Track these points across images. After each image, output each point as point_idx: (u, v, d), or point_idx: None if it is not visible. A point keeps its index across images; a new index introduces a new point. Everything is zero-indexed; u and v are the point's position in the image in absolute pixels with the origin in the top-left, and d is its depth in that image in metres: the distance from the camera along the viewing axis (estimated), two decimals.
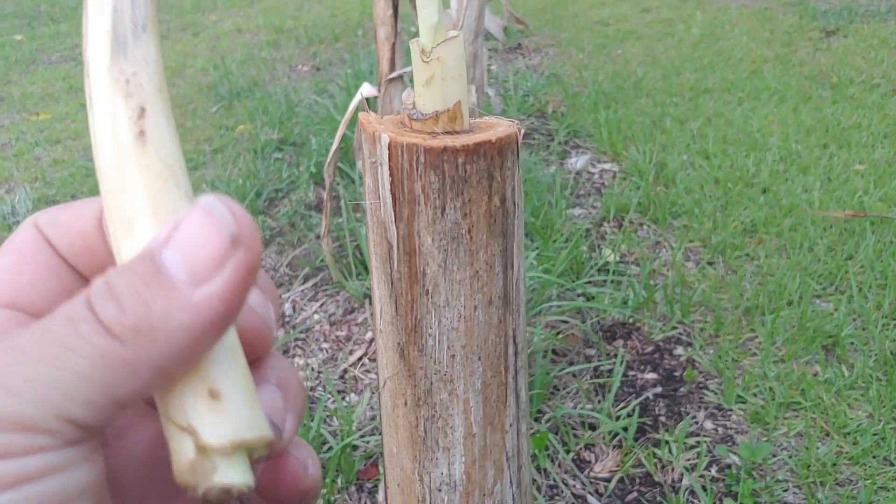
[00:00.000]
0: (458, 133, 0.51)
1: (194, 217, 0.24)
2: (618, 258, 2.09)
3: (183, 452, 0.24)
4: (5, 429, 0.22)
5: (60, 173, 2.85)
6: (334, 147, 1.71)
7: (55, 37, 4.73)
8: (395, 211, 0.52)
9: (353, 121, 2.02)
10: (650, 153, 2.61)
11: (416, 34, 0.51)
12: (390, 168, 0.51)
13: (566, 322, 1.84)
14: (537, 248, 2.07)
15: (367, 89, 1.73)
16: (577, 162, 2.64)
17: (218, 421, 0.24)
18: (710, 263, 2.05)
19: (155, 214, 0.25)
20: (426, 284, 0.52)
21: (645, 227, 2.26)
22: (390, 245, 0.52)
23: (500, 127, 0.53)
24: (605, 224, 2.29)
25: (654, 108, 3.00)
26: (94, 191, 2.66)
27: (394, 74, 1.65)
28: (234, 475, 0.24)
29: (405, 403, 0.56)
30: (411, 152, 0.50)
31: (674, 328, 1.82)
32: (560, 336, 1.78)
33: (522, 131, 0.54)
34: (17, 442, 0.22)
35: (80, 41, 4.51)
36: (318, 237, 2.22)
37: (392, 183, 0.51)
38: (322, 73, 3.77)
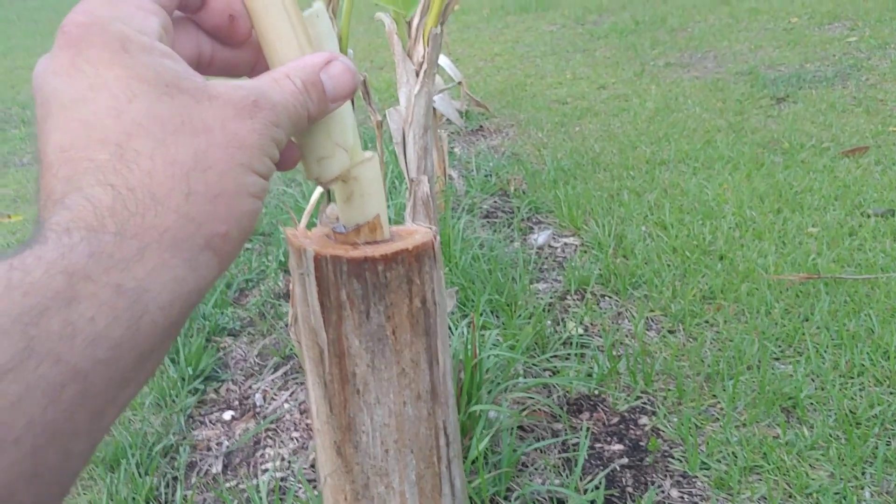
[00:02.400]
0: (378, 243, 0.56)
1: (339, 64, 0.43)
2: (581, 331, 2.14)
3: (337, 160, 0.47)
4: None
5: None
6: None
7: (27, 139, 4.79)
8: (323, 317, 0.56)
9: (316, 210, 2.08)
10: (609, 226, 2.68)
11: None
12: (317, 278, 0.55)
13: (532, 398, 1.87)
14: (502, 325, 2.11)
15: None
16: (539, 237, 2.71)
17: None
18: (670, 332, 2.10)
19: (302, 39, 0.45)
20: (356, 384, 0.56)
21: (607, 298, 2.32)
22: (321, 349, 0.57)
23: (417, 234, 0.58)
24: (568, 297, 2.34)
25: (611, 181, 3.09)
26: None
27: None
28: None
29: (345, 499, 0.60)
30: (335, 263, 0.54)
31: (638, 398, 1.85)
32: (526, 412, 1.81)
33: (438, 238, 0.58)
34: None
35: None
36: (286, 325, 2.25)
37: (319, 291, 0.55)
38: None
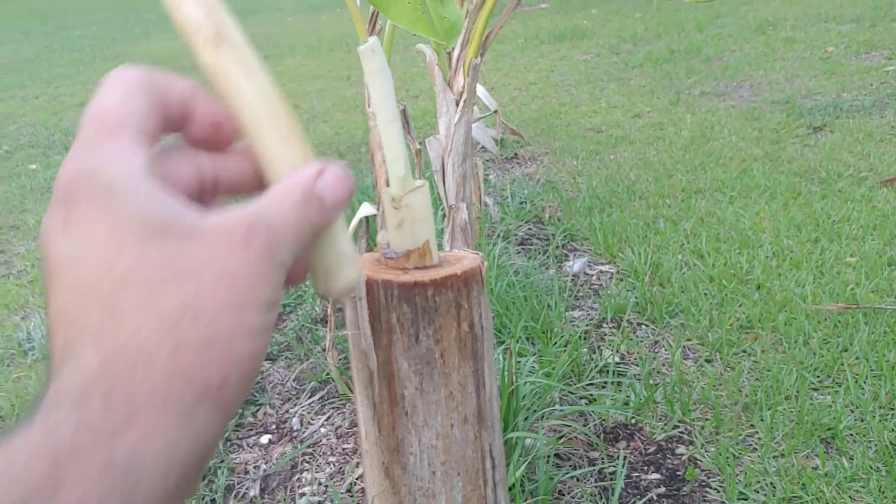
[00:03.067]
0: (427, 268, 0.58)
1: (332, 171, 0.42)
2: (617, 359, 2.14)
3: (345, 272, 0.45)
4: None
5: None
6: None
7: None
8: (374, 340, 0.57)
9: (355, 236, 2.10)
10: (645, 254, 2.68)
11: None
12: (368, 302, 0.57)
13: (568, 426, 1.87)
14: (538, 352, 2.11)
15: (366, 209, 1.81)
16: (575, 265, 2.71)
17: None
18: (708, 361, 2.09)
19: (294, 150, 0.43)
20: (405, 406, 0.58)
21: (643, 326, 2.31)
22: (371, 371, 0.58)
23: (466, 260, 0.60)
24: (604, 325, 2.34)
25: (647, 210, 3.09)
26: None
27: None
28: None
29: None
30: (386, 287, 0.56)
31: (675, 427, 1.85)
32: (563, 440, 1.81)
33: (486, 263, 0.60)
34: None
35: None
36: (323, 350, 2.27)
37: (370, 315, 0.57)
38: None
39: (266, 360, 2.36)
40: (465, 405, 0.62)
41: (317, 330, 2.45)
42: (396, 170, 0.59)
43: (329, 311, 1.91)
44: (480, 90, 3.33)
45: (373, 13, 1.59)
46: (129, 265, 0.34)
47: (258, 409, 2.13)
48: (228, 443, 2.01)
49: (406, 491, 0.61)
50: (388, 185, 0.61)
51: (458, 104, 1.47)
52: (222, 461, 1.92)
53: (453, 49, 1.47)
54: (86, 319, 0.33)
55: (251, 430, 2.06)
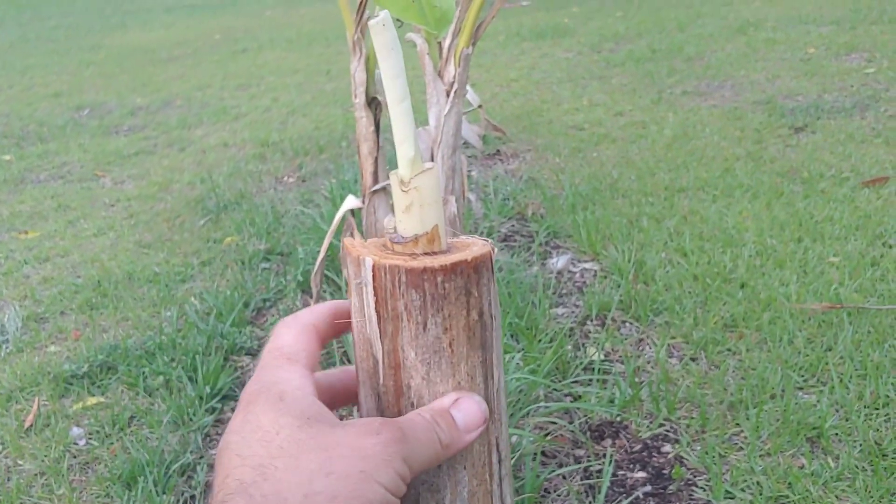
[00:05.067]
0: (436, 254, 0.55)
1: (470, 400, 0.52)
2: (602, 356, 2.12)
3: None
4: None
5: (49, 291, 2.88)
6: (321, 256, 1.75)
7: (44, 156, 4.82)
8: (380, 328, 0.55)
9: (339, 230, 2.08)
10: (629, 252, 2.67)
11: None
12: (374, 288, 0.54)
13: (554, 423, 1.85)
14: (522, 349, 2.10)
15: (351, 201, 1.78)
16: (558, 262, 2.70)
17: None
18: (692, 359, 2.08)
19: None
20: (411, 397, 0.55)
21: (628, 324, 2.30)
22: (376, 360, 0.56)
23: (475, 246, 0.57)
24: (589, 322, 2.33)
25: (630, 207, 3.08)
26: (83, 307, 2.69)
27: (377, 187, 1.71)
28: None
29: None
30: (394, 273, 0.54)
31: (661, 425, 1.83)
32: (548, 438, 1.79)
33: (496, 249, 0.58)
34: None
35: (68, 160, 4.64)
36: None
37: (377, 302, 0.55)
38: (308, 184, 3.86)
39: (246, 355, 2.32)
40: None
41: None
42: (406, 151, 0.57)
43: (313, 303, 1.87)
44: None
45: (361, 2, 1.56)
46: (284, 440, 0.45)
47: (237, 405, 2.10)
48: (208, 438, 1.97)
49: (410, 485, 0.58)
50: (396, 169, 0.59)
51: (448, 94, 1.44)
52: (202, 457, 1.89)
53: (444, 38, 1.44)
54: (242, 477, 0.44)
55: None
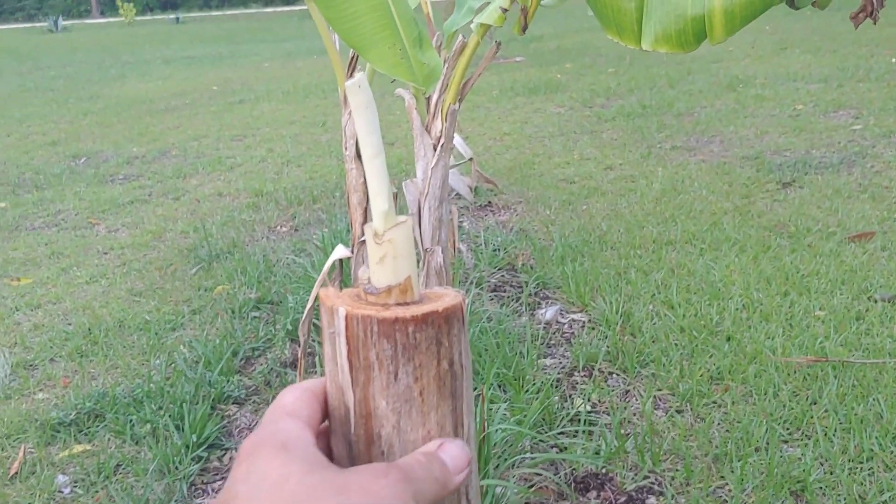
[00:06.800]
0: (408, 304, 0.57)
1: (453, 444, 0.54)
2: (589, 407, 2.13)
3: None
4: None
5: (40, 337, 2.88)
6: (309, 305, 1.76)
7: (39, 203, 4.85)
8: (351, 377, 0.57)
9: (328, 277, 2.09)
10: (617, 303, 2.69)
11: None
12: (347, 338, 0.56)
13: (539, 474, 1.85)
14: (509, 399, 2.10)
15: (340, 251, 1.81)
16: (547, 313, 2.72)
17: None
18: (678, 411, 2.09)
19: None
20: (382, 445, 0.57)
21: (615, 375, 2.31)
22: (347, 408, 0.57)
23: (447, 297, 0.59)
24: (576, 373, 2.34)
25: (618, 260, 3.11)
26: (73, 355, 2.69)
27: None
28: None
29: None
30: (366, 323, 0.56)
31: (645, 477, 1.84)
32: (533, 489, 1.79)
33: (467, 300, 0.60)
34: None
35: (63, 207, 4.66)
36: None
37: (349, 351, 0.56)
38: (300, 234, 3.89)
39: (233, 404, 2.32)
40: None
41: (286, 374, 2.42)
42: (380, 204, 0.59)
43: (300, 354, 1.88)
44: (456, 139, 3.36)
45: (352, 58, 1.60)
46: (294, 486, 0.45)
47: (224, 454, 2.10)
48: (193, 487, 1.97)
49: None
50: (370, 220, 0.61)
51: (435, 148, 1.48)
52: None
53: (432, 94, 1.48)
54: None
55: (216, 474, 2.02)
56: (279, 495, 0.45)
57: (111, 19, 45.12)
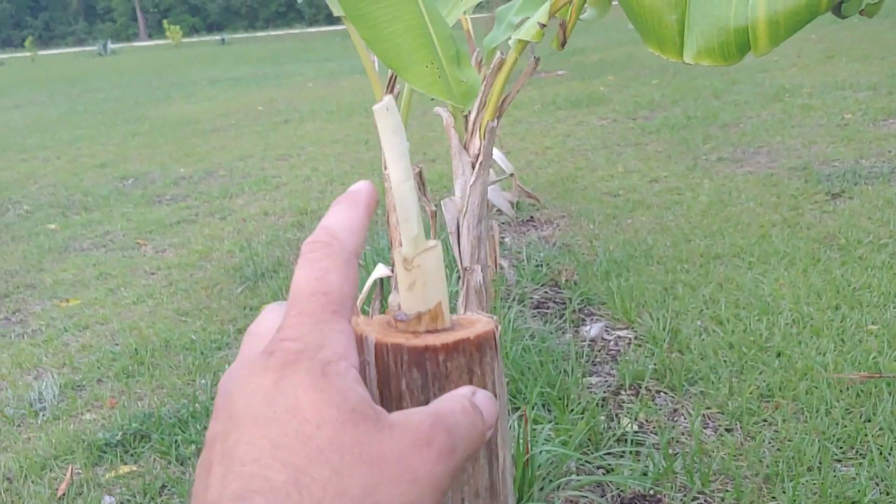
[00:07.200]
0: (439, 331, 0.56)
1: (483, 393, 0.48)
2: (636, 427, 2.09)
3: None
4: None
5: (87, 358, 2.92)
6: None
7: (87, 225, 4.94)
8: (383, 407, 0.55)
9: (369, 297, 2.10)
10: (663, 319, 2.65)
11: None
12: (377, 367, 0.55)
13: (585, 497, 1.82)
14: (554, 420, 2.07)
15: (381, 270, 1.80)
16: (592, 330, 2.68)
17: None
18: (728, 430, 2.04)
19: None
20: None
21: (662, 394, 2.27)
22: None
23: (479, 324, 0.58)
24: (623, 392, 2.30)
25: (665, 275, 3.06)
26: (120, 375, 2.72)
27: None
28: None
29: None
30: (396, 352, 0.54)
31: (695, 498, 1.79)
32: None
33: (500, 327, 0.58)
34: None
35: (111, 228, 4.75)
36: None
37: (379, 381, 0.55)
38: None
39: None
40: (476, 478, 0.59)
41: None
42: (409, 229, 0.57)
43: None
44: (496, 154, 3.35)
45: (391, 77, 1.60)
46: (326, 439, 0.38)
47: None
48: None
49: None
50: (401, 245, 0.60)
51: (473, 166, 1.46)
52: None
53: (470, 112, 1.47)
54: (272, 476, 0.37)
55: None
56: (305, 446, 0.38)
57: (158, 42, 46.09)
